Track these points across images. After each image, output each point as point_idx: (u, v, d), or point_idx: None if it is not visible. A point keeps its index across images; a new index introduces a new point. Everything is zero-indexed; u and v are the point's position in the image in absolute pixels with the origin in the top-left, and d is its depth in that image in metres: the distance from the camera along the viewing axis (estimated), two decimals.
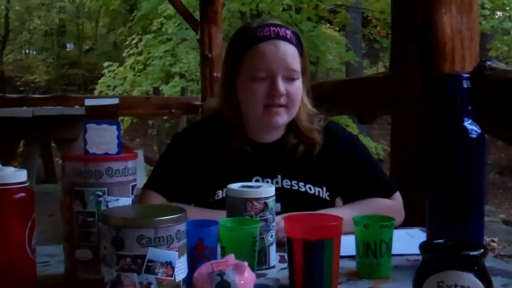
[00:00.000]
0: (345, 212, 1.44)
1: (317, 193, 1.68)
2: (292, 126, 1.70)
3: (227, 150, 1.67)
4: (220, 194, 1.63)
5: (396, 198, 1.72)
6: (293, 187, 1.67)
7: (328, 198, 1.71)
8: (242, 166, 1.67)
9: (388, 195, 1.71)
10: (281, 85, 1.60)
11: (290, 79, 1.61)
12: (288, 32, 1.64)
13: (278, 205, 1.53)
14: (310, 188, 1.68)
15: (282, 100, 1.61)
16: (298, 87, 1.64)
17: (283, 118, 1.63)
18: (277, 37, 1.61)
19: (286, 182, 1.67)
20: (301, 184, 1.68)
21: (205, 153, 1.69)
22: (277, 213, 1.48)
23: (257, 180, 1.66)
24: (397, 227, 1.46)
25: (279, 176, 1.67)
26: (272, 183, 1.65)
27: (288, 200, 1.60)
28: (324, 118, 1.74)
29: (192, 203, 1.67)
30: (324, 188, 1.70)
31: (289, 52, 1.61)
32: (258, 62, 1.60)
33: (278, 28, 1.63)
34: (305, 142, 1.69)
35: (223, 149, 1.67)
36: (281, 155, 1.70)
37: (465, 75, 1.21)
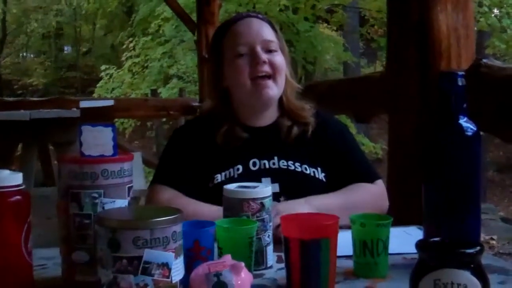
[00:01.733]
0: (333, 199, 1.52)
1: (312, 174, 1.71)
2: (284, 106, 1.76)
3: (219, 135, 1.71)
4: (218, 178, 1.66)
5: (379, 184, 1.76)
6: (289, 167, 1.70)
7: (324, 180, 1.73)
8: (239, 150, 1.70)
9: (372, 180, 1.75)
10: (262, 54, 1.67)
11: (269, 50, 1.69)
12: (259, 14, 1.78)
13: (277, 185, 1.59)
14: (306, 168, 1.71)
15: (266, 68, 1.67)
16: (279, 58, 1.71)
17: (272, 90, 1.69)
18: (248, 16, 1.76)
19: (283, 162, 1.70)
20: (297, 164, 1.70)
21: (203, 142, 1.73)
22: (276, 194, 1.51)
23: (254, 163, 1.69)
24: (393, 225, 1.47)
25: (276, 157, 1.70)
26: (269, 164, 1.69)
27: (285, 180, 1.64)
28: (314, 107, 1.80)
29: (196, 191, 1.69)
30: (319, 169, 1.72)
31: (263, 27, 1.73)
32: (236, 39, 1.70)
33: (249, 12, 1.82)
34: (298, 122, 1.74)
35: (216, 135, 1.71)
36: (276, 138, 1.74)
37: (460, 73, 1.21)
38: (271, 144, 1.73)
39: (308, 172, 1.70)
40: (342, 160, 1.75)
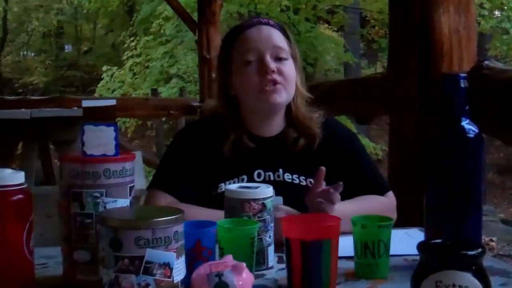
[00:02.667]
0: (340, 210, 1.44)
1: None
2: (292, 115, 1.72)
3: (227, 145, 1.68)
4: (222, 187, 1.63)
5: (389, 197, 1.72)
6: (294, 181, 1.68)
7: None
8: (244, 160, 1.68)
9: (382, 192, 1.72)
10: (270, 63, 1.63)
11: (279, 58, 1.65)
12: (270, 21, 1.73)
13: (281, 198, 1.55)
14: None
15: (275, 77, 1.63)
16: (289, 67, 1.67)
17: (281, 96, 1.65)
18: (259, 23, 1.70)
19: (288, 176, 1.68)
20: (302, 178, 1.69)
21: (208, 148, 1.70)
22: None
23: (259, 174, 1.67)
24: (395, 227, 1.47)
25: (281, 170, 1.68)
26: (274, 176, 1.67)
27: (290, 194, 1.61)
28: (324, 113, 1.76)
29: (198, 198, 1.67)
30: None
31: (274, 34, 1.68)
32: (245, 46, 1.66)
33: (260, 18, 1.74)
34: (305, 134, 1.71)
35: (223, 144, 1.68)
36: (282, 149, 1.71)
37: (462, 75, 1.21)
38: (277, 155, 1.70)
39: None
40: (350, 172, 1.71)
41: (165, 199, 1.63)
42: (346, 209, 1.46)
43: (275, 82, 1.63)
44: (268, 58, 1.63)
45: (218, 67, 1.78)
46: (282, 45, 1.67)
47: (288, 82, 1.66)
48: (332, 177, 1.72)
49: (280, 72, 1.64)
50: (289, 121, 1.73)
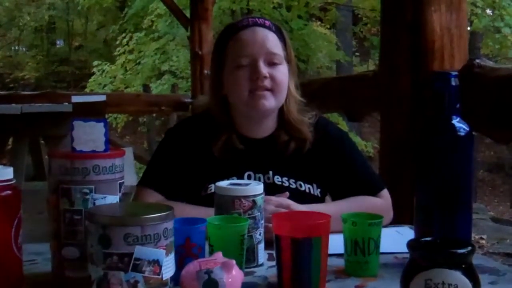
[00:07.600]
0: (332, 209, 1.43)
1: (307, 190, 1.69)
2: (284, 118, 1.71)
3: (217, 146, 1.67)
4: (212, 188, 1.62)
5: (384, 196, 1.71)
6: (284, 184, 1.67)
7: (319, 195, 1.71)
8: (234, 161, 1.67)
9: (375, 192, 1.70)
10: (263, 68, 1.61)
11: (272, 63, 1.63)
12: (266, 22, 1.69)
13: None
14: (300, 185, 1.68)
15: (266, 83, 1.61)
16: (282, 72, 1.65)
17: (269, 102, 1.63)
18: (255, 25, 1.67)
19: (278, 178, 1.68)
20: (292, 181, 1.68)
21: (198, 147, 1.69)
22: None
23: (249, 175, 1.66)
24: (386, 226, 1.47)
25: (271, 172, 1.68)
26: (264, 178, 1.66)
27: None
28: (316, 114, 1.75)
29: (187, 198, 1.66)
30: (315, 185, 1.70)
31: (269, 37, 1.65)
32: (238, 49, 1.64)
33: (256, 19, 1.70)
34: (296, 138, 1.70)
35: (213, 145, 1.67)
36: (273, 151, 1.70)
37: (453, 73, 1.21)
38: (267, 157, 1.69)
39: (303, 188, 1.68)
40: (343, 173, 1.71)
41: (154, 197, 1.63)
42: (335, 210, 1.44)
43: (265, 89, 1.62)
44: (261, 64, 1.61)
45: (211, 65, 1.76)
46: (277, 51, 1.64)
47: (279, 88, 1.64)
48: (324, 179, 1.72)
49: (272, 78, 1.62)
50: (280, 123, 1.72)
